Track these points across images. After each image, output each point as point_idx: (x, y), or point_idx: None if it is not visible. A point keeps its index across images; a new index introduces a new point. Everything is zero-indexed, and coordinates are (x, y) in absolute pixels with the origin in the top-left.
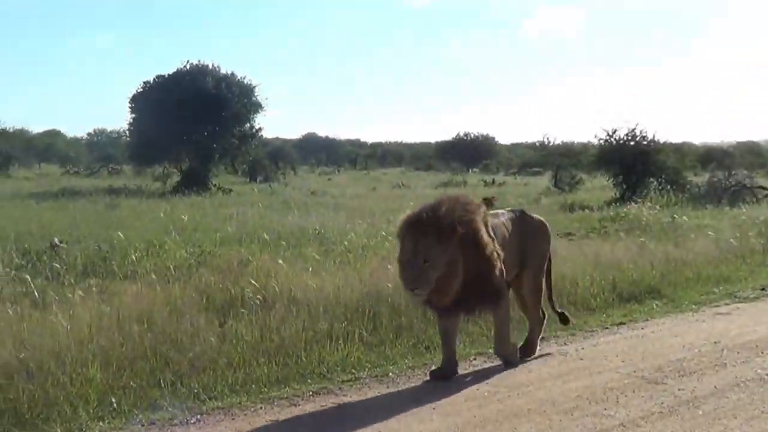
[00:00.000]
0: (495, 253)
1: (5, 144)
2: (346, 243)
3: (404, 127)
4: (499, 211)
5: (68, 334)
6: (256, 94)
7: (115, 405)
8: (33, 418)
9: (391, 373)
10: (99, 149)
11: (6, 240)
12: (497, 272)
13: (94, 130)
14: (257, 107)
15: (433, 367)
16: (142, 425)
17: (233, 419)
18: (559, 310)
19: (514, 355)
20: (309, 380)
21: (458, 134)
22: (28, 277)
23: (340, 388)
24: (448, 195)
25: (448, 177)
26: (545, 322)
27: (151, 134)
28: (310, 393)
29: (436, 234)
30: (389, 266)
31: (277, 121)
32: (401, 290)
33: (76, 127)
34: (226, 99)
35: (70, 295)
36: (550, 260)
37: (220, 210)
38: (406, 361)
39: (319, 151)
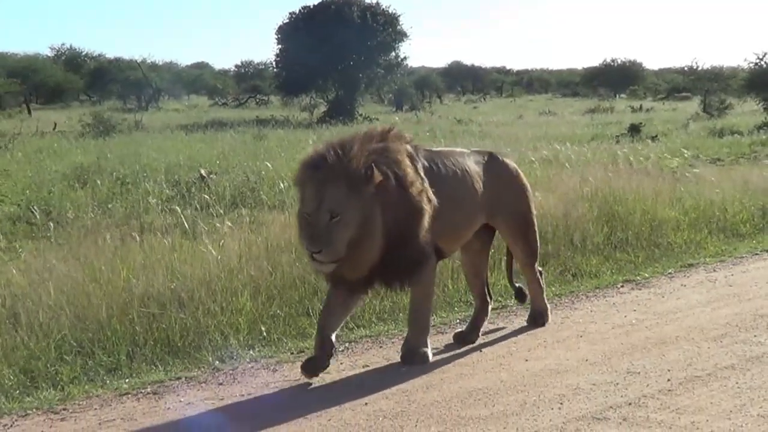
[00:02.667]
0: (425, 206)
1: (155, 77)
2: None
3: (550, 53)
4: (463, 150)
5: (218, 264)
6: (400, 23)
7: (264, 333)
8: (185, 347)
9: None
10: (246, 81)
11: (157, 171)
12: (424, 231)
13: (242, 62)
14: (402, 36)
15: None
16: (291, 353)
17: (381, 347)
18: (517, 285)
19: (425, 357)
20: (456, 308)
21: (605, 60)
22: (178, 208)
23: None
24: (365, 131)
25: (594, 103)
26: (490, 304)
27: (297, 65)
28: (457, 321)
29: (348, 180)
30: (537, 194)
31: (422, 50)
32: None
33: (224, 59)
34: (371, 28)
35: (219, 226)
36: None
37: None
38: (553, 289)
39: (464, 80)
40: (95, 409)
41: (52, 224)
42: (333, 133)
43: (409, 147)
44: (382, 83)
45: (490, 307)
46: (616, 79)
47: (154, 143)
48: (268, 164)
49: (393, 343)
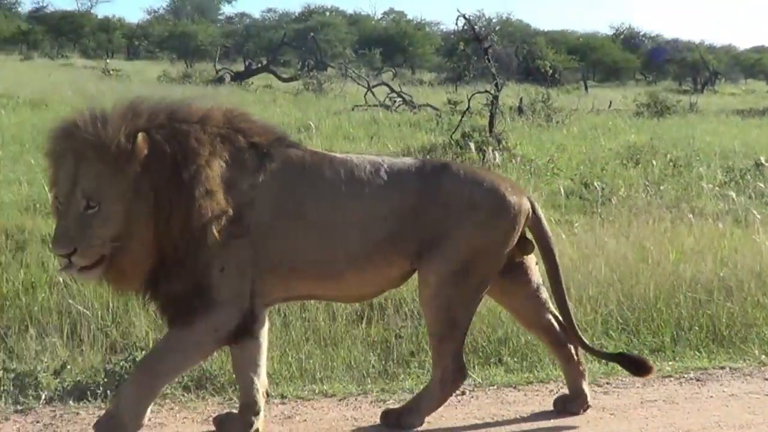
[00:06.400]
0: (219, 212)
1: (713, 59)
2: None
3: None
4: (390, 160)
5: None
6: None
7: None
8: (730, 336)
9: None
10: None
11: (710, 156)
12: (219, 255)
13: None
14: None
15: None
16: None
17: None
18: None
19: (124, 424)
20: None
21: None
22: (732, 194)
23: None
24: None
25: None
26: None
27: None
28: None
29: (104, 155)
30: None
31: None
32: None
33: None
34: None
35: None
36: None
37: None
38: None
39: None
40: (637, 387)
41: (602, 200)
42: None
43: (254, 137)
44: None
45: (581, 365)
46: None
47: (708, 127)
48: None
49: None
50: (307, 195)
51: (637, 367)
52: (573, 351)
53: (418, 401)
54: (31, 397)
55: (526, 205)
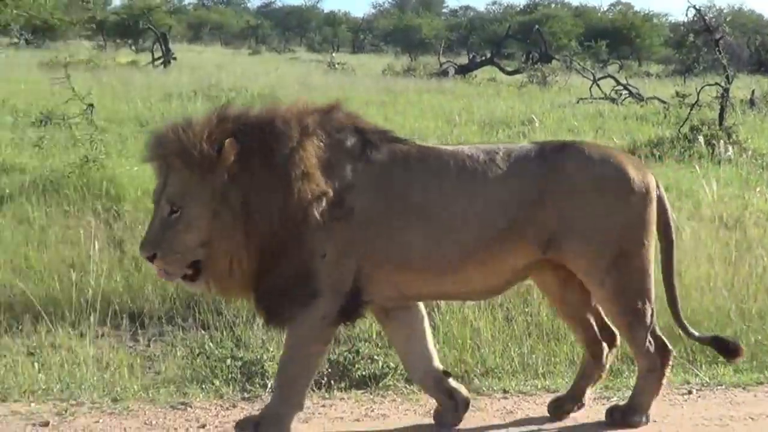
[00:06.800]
0: (318, 193)
1: None
2: None
3: None
4: (505, 147)
5: None
6: None
7: None
8: None
9: None
10: None
11: None
12: (312, 247)
13: None
14: None
15: None
16: None
17: None
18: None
19: None
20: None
21: None
22: None
23: None
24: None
25: None
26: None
27: None
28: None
29: (187, 161)
30: None
31: None
32: None
33: None
34: None
35: None
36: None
37: None
38: None
39: None
40: None
41: None
42: None
43: (315, 121)
44: None
45: (602, 370)
46: None
47: None
48: None
49: None
50: (412, 186)
51: (729, 350)
52: (604, 354)
53: (638, 397)
54: (257, 385)
55: (653, 180)
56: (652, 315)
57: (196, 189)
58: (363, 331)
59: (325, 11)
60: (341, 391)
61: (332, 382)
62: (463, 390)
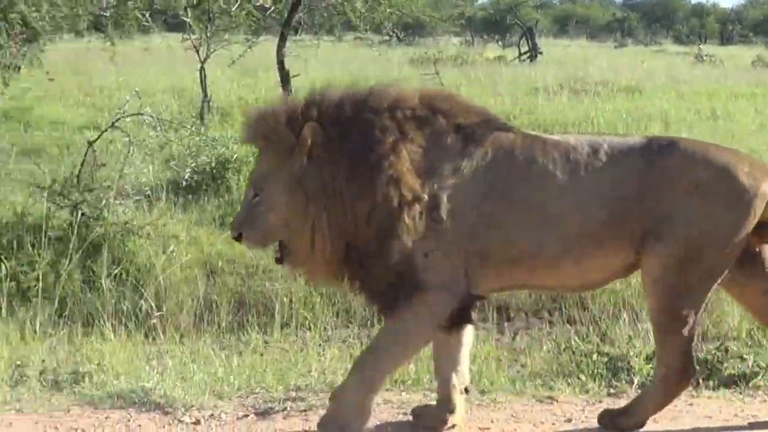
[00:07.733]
0: (411, 199)
1: None
2: None
3: None
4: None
5: None
6: None
7: None
8: None
9: None
10: None
11: None
12: (409, 237)
13: None
14: None
15: None
16: None
17: None
18: None
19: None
20: None
21: None
22: None
23: None
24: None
25: None
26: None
27: None
28: None
29: (269, 146)
30: None
31: None
32: None
33: None
34: None
35: None
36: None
37: None
38: None
39: None
40: None
41: None
42: None
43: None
44: None
45: None
46: None
47: None
48: None
49: None
50: (517, 179)
51: None
52: None
53: (637, 402)
54: (623, 381)
55: (766, 188)
56: (692, 328)
57: (274, 171)
58: (732, 329)
59: (693, 2)
60: (709, 390)
61: (700, 380)
62: (460, 410)
